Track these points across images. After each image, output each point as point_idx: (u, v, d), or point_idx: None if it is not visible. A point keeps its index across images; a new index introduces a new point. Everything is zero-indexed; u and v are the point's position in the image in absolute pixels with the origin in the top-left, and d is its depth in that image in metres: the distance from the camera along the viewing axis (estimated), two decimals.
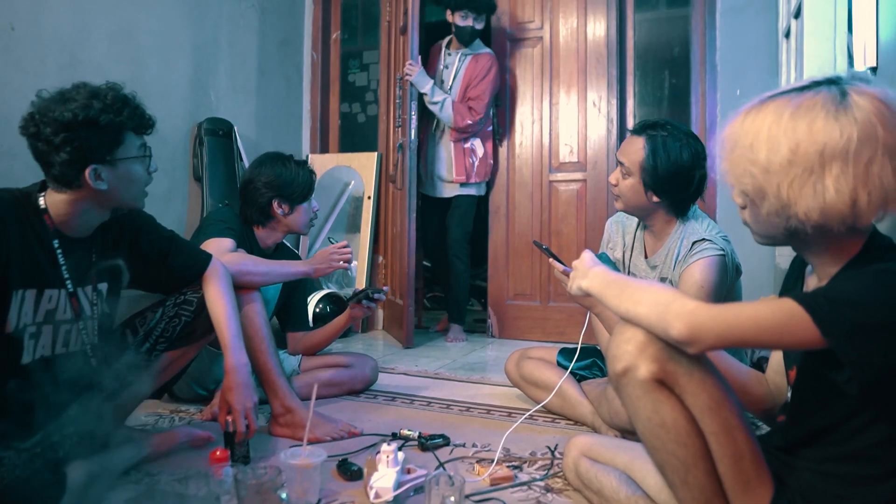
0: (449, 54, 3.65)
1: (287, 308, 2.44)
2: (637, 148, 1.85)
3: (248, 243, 2.21)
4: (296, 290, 2.44)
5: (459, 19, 3.50)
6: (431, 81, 3.48)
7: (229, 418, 1.62)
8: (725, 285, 1.82)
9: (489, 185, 3.80)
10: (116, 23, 2.86)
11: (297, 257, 2.48)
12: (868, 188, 0.94)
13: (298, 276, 2.17)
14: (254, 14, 3.77)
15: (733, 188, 1.09)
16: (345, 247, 2.21)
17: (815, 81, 1.02)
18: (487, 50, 3.62)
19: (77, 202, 1.46)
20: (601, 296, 1.18)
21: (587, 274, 1.25)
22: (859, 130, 0.94)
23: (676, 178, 1.83)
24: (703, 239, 1.82)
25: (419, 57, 3.47)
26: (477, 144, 3.60)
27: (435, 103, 3.47)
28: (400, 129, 3.57)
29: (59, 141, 1.36)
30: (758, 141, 1.01)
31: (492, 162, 3.68)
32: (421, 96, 3.49)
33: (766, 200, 1.02)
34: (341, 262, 2.19)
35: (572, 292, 1.31)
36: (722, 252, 1.80)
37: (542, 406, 2.08)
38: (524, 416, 1.88)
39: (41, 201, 1.45)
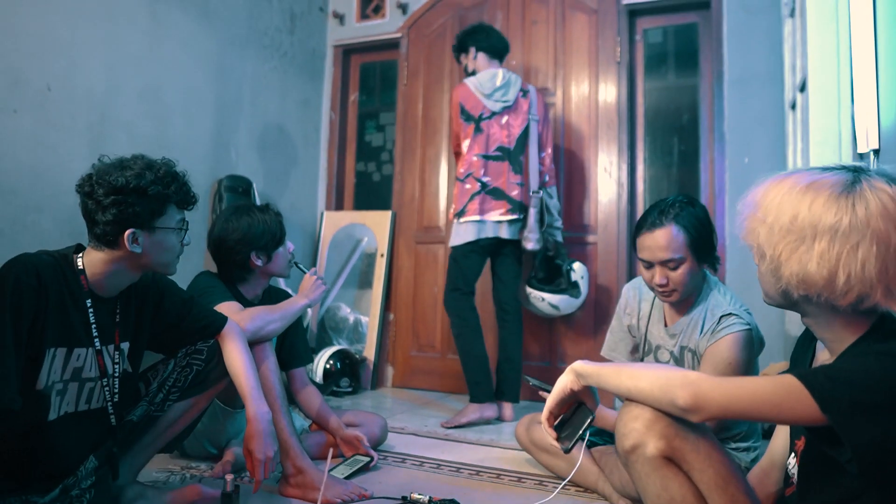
0: None
1: (286, 345, 2.37)
2: (671, 236, 1.81)
3: (238, 301, 2.18)
4: (291, 326, 2.34)
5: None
6: None
7: (228, 477, 1.65)
8: (753, 361, 1.82)
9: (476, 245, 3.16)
10: (144, 81, 2.98)
11: (289, 294, 2.45)
12: (848, 270, 1.00)
13: (302, 310, 2.26)
14: (275, 75, 3.91)
15: (751, 247, 1.16)
16: (314, 272, 2.35)
17: (843, 166, 1.10)
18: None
19: (113, 262, 1.55)
20: (598, 376, 1.21)
21: (575, 365, 1.28)
22: (852, 217, 1.01)
23: (711, 235, 1.88)
24: (731, 313, 1.82)
25: None
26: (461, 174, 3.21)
27: None
28: None
29: (108, 202, 1.48)
30: (771, 205, 1.09)
31: (465, 199, 3.11)
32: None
33: (764, 259, 1.11)
34: (322, 286, 2.33)
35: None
36: (749, 327, 1.80)
37: (553, 473, 2.08)
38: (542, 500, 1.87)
39: (79, 262, 1.54)
